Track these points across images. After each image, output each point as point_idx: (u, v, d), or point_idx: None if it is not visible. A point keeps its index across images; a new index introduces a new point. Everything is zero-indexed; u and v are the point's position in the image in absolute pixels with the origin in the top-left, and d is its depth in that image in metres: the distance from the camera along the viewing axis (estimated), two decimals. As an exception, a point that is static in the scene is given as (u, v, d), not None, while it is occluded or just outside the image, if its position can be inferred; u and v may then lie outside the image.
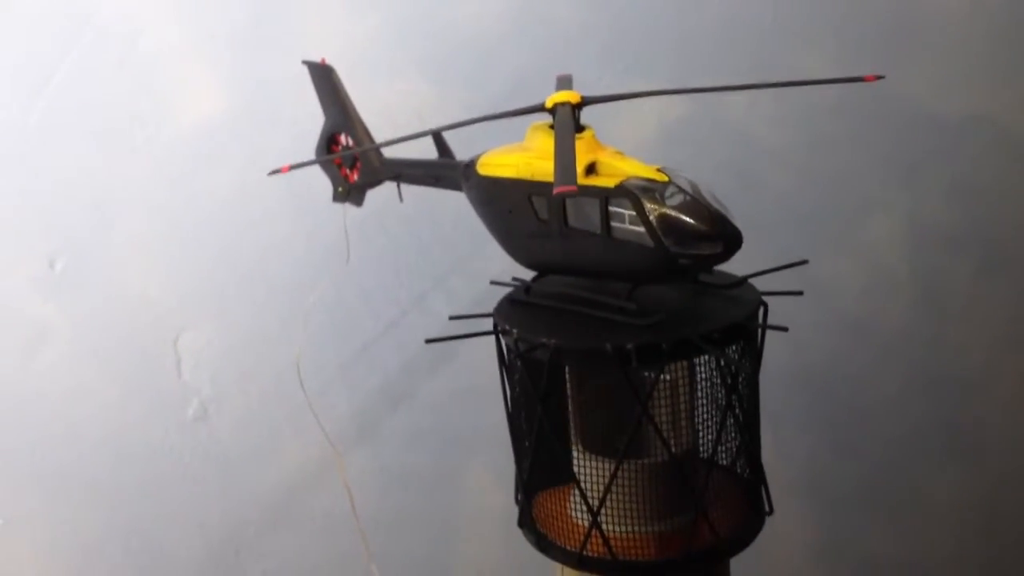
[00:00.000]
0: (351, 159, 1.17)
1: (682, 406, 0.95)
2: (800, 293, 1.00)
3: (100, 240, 1.46)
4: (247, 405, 1.52)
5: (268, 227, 1.48)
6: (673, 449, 0.94)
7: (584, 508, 0.96)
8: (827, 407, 1.60)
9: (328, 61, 1.16)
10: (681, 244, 0.89)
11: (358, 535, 1.48)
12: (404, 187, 1.16)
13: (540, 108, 0.96)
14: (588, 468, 0.96)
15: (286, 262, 1.49)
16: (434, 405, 1.54)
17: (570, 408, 0.99)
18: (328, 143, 1.20)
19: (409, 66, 1.46)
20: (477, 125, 0.99)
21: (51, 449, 1.50)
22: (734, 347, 0.94)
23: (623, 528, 0.96)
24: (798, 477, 1.61)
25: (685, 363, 0.94)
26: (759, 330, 0.96)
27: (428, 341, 1.01)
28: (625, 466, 0.94)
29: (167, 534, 1.54)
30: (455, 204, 1.13)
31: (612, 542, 0.95)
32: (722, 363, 0.93)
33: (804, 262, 1.03)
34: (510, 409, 1.02)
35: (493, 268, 1.08)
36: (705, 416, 0.97)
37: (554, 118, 0.94)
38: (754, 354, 0.97)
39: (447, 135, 1.13)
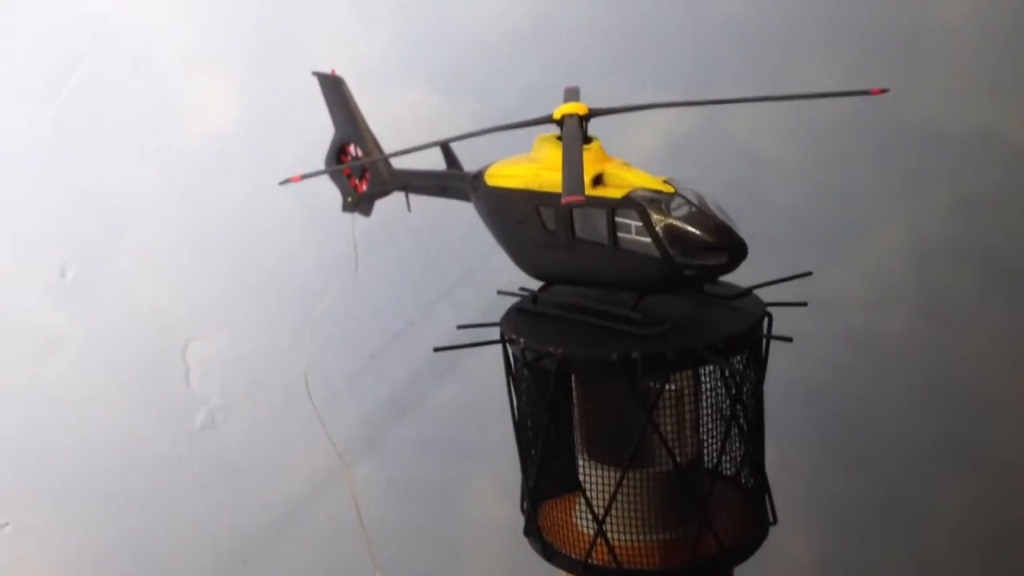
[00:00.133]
0: (360, 169, 1.18)
1: (687, 416, 0.96)
2: (804, 304, 1.01)
3: (111, 249, 1.47)
4: (255, 414, 1.53)
5: (277, 237, 1.49)
6: (678, 458, 0.94)
7: (589, 517, 0.97)
8: (831, 420, 1.60)
9: (338, 72, 1.17)
10: (687, 255, 0.90)
11: (364, 544, 1.49)
12: (412, 198, 1.17)
13: (548, 120, 0.97)
14: (594, 477, 0.97)
15: (295, 272, 1.49)
16: (440, 416, 1.54)
17: (576, 417, 1.00)
18: (338, 154, 1.21)
19: (419, 79, 1.47)
20: (484, 137, 1.00)
21: (61, 456, 1.51)
22: (739, 357, 0.95)
23: (628, 537, 0.97)
24: (801, 490, 1.61)
25: (690, 373, 0.95)
26: (764, 340, 0.97)
27: (436, 349, 1.01)
28: (630, 475, 0.95)
29: (175, 542, 1.55)
30: (462, 216, 1.14)
31: (617, 551, 0.96)
32: (727, 373, 0.94)
33: (808, 273, 1.04)
34: (516, 418, 1.03)
35: (500, 280, 1.09)
36: (710, 426, 0.98)
37: (562, 130, 0.95)
38: (759, 364, 0.98)
39: (455, 146, 1.14)
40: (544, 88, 1.11)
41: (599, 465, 0.97)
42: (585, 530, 0.98)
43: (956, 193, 1.55)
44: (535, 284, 1.04)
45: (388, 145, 1.16)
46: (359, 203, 1.20)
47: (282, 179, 1.08)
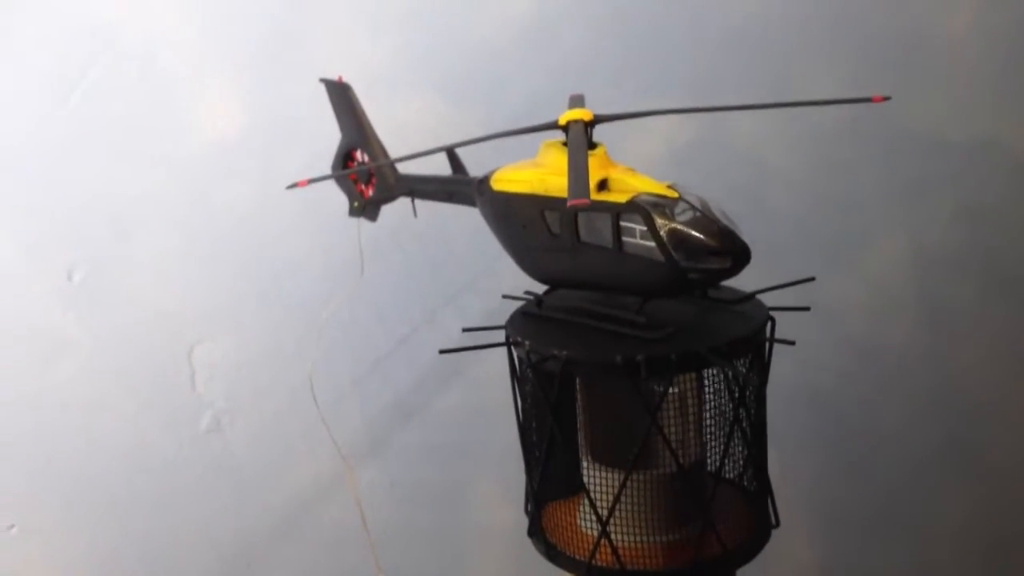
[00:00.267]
0: (366, 175, 1.19)
1: (691, 418, 0.97)
2: (807, 309, 1.01)
3: (118, 253, 1.48)
4: (260, 418, 1.54)
5: (284, 243, 1.50)
6: (681, 460, 0.95)
7: (593, 518, 0.97)
8: (833, 426, 1.61)
9: (345, 79, 1.18)
10: (691, 259, 0.91)
11: (368, 548, 1.49)
12: (418, 204, 1.18)
13: (553, 125, 0.98)
14: (598, 479, 0.98)
15: (301, 277, 1.50)
16: (445, 420, 1.55)
17: (580, 419, 1.00)
18: (344, 159, 1.22)
19: (426, 86, 1.48)
20: (489, 145, 1.01)
21: (67, 459, 1.51)
22: (742, 360, 0.96)
23: (632, 538, 0.97)
24: (803, 496, 1.61)
25: (694, 375, 0.96)
26: (767, 344, 0.97)
27: (442, 351, 1.02)
28: (634, 477, 0.96)
29: (181, 545, 1.56)
30: (468, 223, 1.15)
31: (621, 552, 0.97)
32: (730, 375, 0.95)
33: (811, 279, 1.05)
34: (521, 420, 1.03)
35: (504, 286, 1.09)
36: (713, 428, 0.99)
37: (567, 135, 0.96)
38: (762, 367, 0.98)
39: (460, 152, 1.15)
40: (549, 96, 1.12)
41: (603, 467, 0.98)
42: (589, 531, 0.99)
43: (958, 202, 1.56)
44: (540, 288, 1.05)
45: (394, 152, 1.17)
46: (365, 208, 1.21)
47: (290, 183, 1.10)
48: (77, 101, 1.45)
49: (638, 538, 0.97)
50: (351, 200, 1.22)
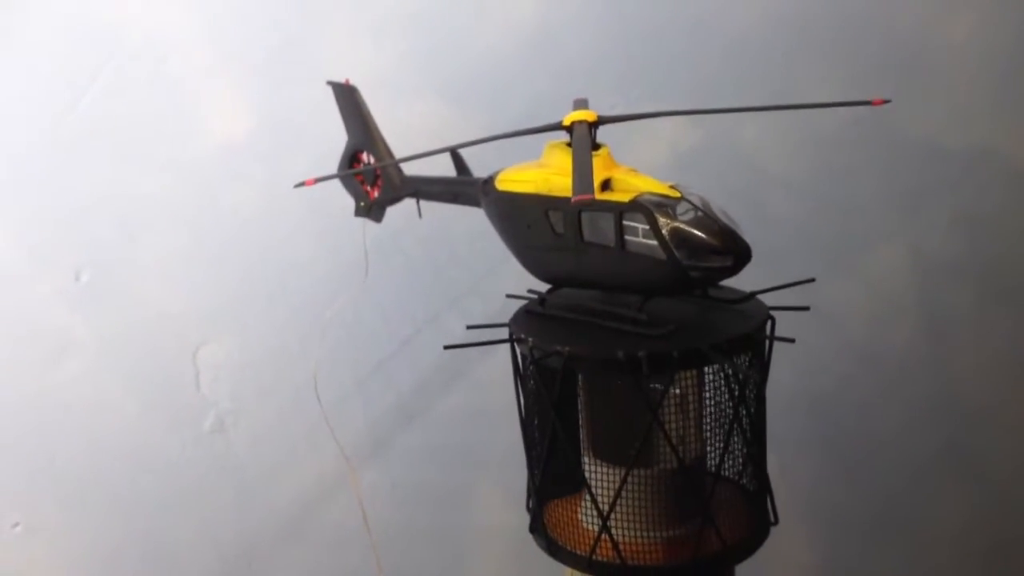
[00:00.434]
0: (372, 176, 1.21)
1: (691, 415, 0.98)
2: (807, 308, 1.02)
3: (125, 254, 1.49)
4: (264, 419, 1.55)
5: (289, 245, 1.51)
6: (682, 457, 0.96)
7: (594, 514, 0.98)
8: (832, 430, 1.62)
9: (352, 82, 1.20)
10: (692, 257, 0.92)
11: (370, 549, 1.50)
12: (423, 207, 1.19)
13: (558, 126, 0.99)
14: (599, 475, 0.99)
15: (305, 279, 1.52)
16: (447, 422, 1.56)
17: (582, 416, 1.01)
18: (350, 161, 1.23)
19: (429, 91, 1.50)
20: (494, 146, 1.03)
21: (71, 458, 1.53)
22: (742, 358, 0.97)
23: (632, 534, 0.98)
24: (802, 499, 1.62)
25: (694, 372, 0.97)
26: (767, 342, 0.99)
27: (447, 347, 1.03)
28: (635, 473, 0.97)
29: (183, 545, 1.56)
30: (471, 226, 1.16)
31: (621, 547, 0.98)
32: (730, 372, 0.96)
33: (811, 280, 1.06)
34: (523, 417, 1.04)
35: (507, 288, 1.11)
36: (713, 425, 1.00)
37: (571, 136, 0.97)
38: (762, 366, 1.00)
39: (465, 154, 1.16)
40: (553, 101, 1.13)
41: (604, 463, 0.99)
42: (590, 527, 1.00)
43: (957, 208, 1.57)
44: (543, 287, 1.06)
45: (399, 154, 1.18)
46: (371, 209, 1.22)
47: (297, 182, 1.11)
48: (86, 104, 1.46)
49: (638, 534, 0.98)
50: (357, 200, 1.23)
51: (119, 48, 1.46)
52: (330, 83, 1.21)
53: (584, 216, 0.96)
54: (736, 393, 0.97)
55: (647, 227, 0.93)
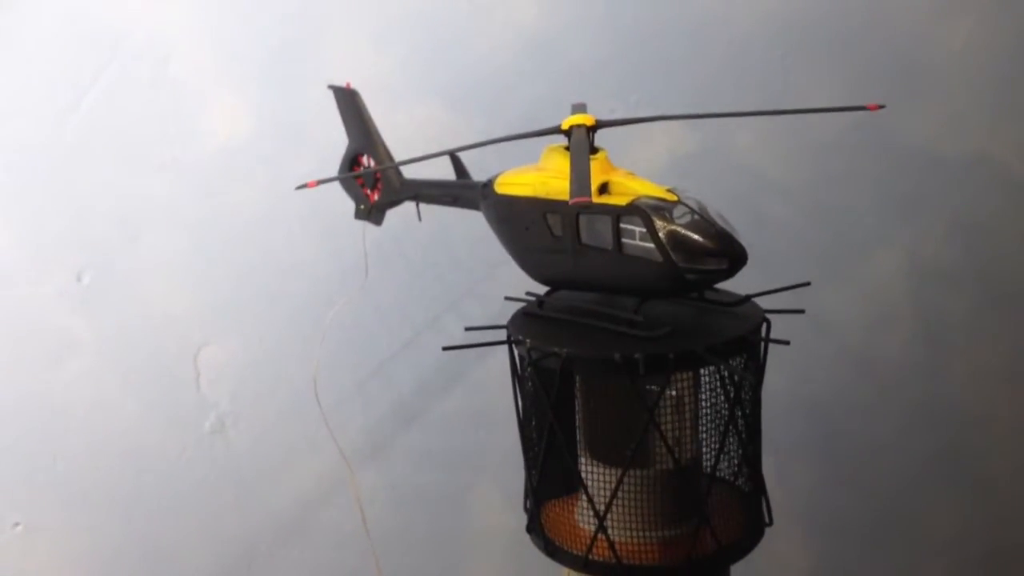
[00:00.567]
0: (372, 179, 1.21)
1: (687, 416, 0.98)
2: (802, 311, 1.03)
3: (127, 255, 1.50)
4: (264, 420, 1.56)
5: (289, 247, 1.52)
6: (677, 458, 0.97)
7: (591, 514, 0.99)
8: (829, 435, 1.62)
9: (353, 85, 1.21)
10: (689, 260, 0.93)
11: (369, 550, 1.50)
12: (423, 210, 1.20)
13: (556, 130, 1.00)
14: (595, 475, 1.00)
15: (306, 281, 1.52)
16: (446, 424, 1.57)
17: (579, 417, 1.02)
18: (351, 164, 1.24)
19: (430, 96, 1.51)
20: (493, 150, 1.03)
21: (72, 458, 1.53)
22: (738, 360, 0.98)
23: (628, 534, 0.99)
24: (798, 505, 1.63)
25: (690, 374, 0.98)
26: (762, 344, 0.99)
27: (445, 348, 1.04)
28: (631, 473, 0.98)
29: (182, 545, 1.57)
30: (470, 229, 1.17)
31: (617, 547, 0.98)
32: (725, 373, 0.97)
33: (807, 283, 1.06)
34: (521, 418, 1.05)
35: (505, 291, 1.11)
36: (709, 427, 1.00)
37: (570, 139, 0.98)
38: (757, 368, 1.00)
39: (464, 159, 1.17)
40: (552, 106, 1.14)
41: (601, 464, 0.99)
42: (586, 527, 1.01)
43: (953, 216, 1.58)
44: (541, 290, 1.07)
45: (399, 158, 1.19)
46: (371, 212, 1.23)
47: (299, 184, 1.12)
48: (88, 105, 1.47)
49: (634, 534, 0.99)
50: (357, 203, 1.24)
51: (121, 49, 1.47)
52: (331, 87, 1.22)
53: (582, 219, 0.97)
54: (731, 395, 0.98)
55: (644, 230, 0.93)
